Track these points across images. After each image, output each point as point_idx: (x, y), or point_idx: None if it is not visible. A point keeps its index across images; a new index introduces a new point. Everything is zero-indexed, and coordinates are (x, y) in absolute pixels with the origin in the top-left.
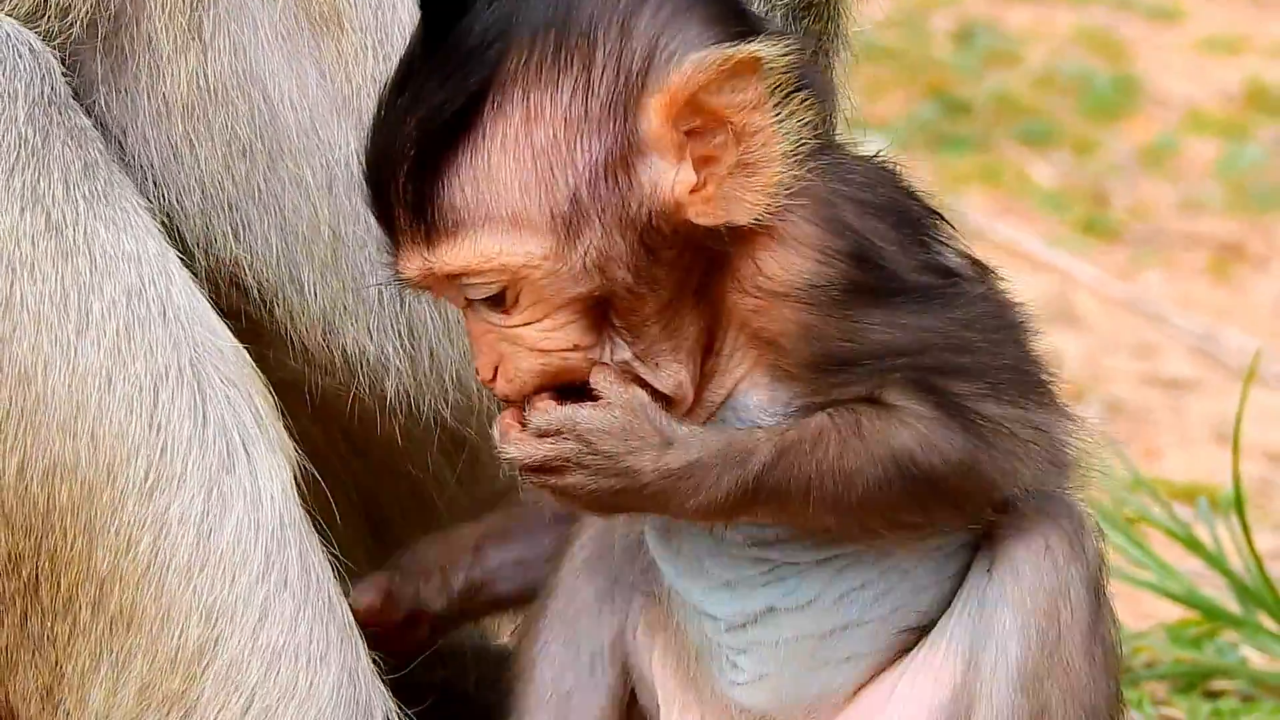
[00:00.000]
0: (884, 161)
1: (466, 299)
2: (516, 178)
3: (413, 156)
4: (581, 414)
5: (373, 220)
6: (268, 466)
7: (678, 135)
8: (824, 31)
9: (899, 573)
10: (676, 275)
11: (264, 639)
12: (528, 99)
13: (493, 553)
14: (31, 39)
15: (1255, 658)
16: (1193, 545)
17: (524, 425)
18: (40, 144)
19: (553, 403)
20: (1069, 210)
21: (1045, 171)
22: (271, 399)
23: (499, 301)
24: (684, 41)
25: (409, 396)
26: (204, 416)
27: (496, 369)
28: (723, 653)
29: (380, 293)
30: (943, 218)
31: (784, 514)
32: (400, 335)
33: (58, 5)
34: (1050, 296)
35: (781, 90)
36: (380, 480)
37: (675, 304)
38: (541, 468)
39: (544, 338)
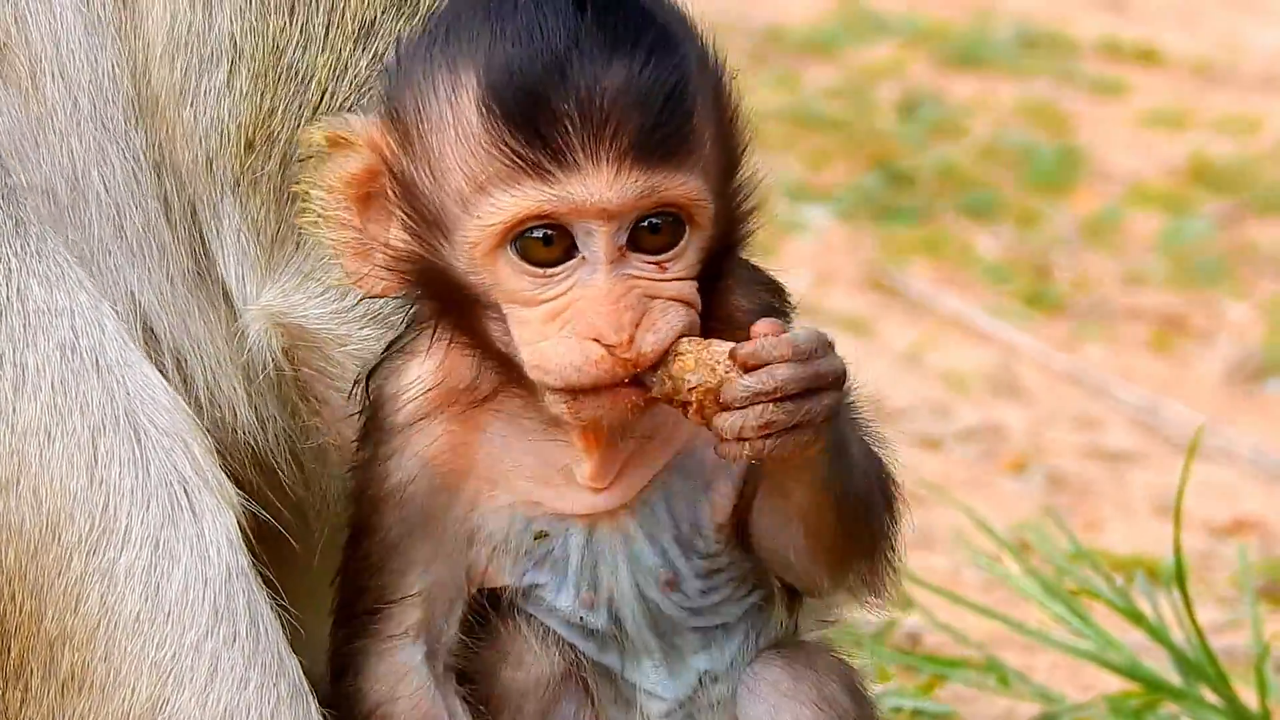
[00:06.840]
0: None
1: (624, 248)
2: (719, 136)
3: (658, 86)
4: (787, 337)
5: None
6: (212, 515)
7: None
8: None
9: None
10: None
11: (214, 697)
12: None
13: None
14: None
15: None
16: (1134, 617)
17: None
18: None
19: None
20: (1012, 282)
21: (988, 243)
22: (209, 443)
23: (664, 250)
24: None
25: None
26: (145, 467)
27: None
28: None
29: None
30: None
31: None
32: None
33: None
34: (993, 368)
35: None
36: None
37: None
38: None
39: (693, 292)
